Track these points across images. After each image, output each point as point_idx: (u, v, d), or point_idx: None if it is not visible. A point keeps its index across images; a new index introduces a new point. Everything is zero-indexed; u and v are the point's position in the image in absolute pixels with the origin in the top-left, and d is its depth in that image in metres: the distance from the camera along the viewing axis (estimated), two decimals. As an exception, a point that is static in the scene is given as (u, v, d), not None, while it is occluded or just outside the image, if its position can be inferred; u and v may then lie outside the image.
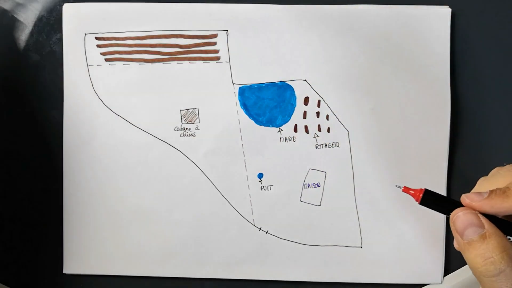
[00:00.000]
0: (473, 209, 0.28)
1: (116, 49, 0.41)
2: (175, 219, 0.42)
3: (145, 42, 0.41)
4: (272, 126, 0.42)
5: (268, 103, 0.42)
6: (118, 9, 0.41)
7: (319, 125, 0.42)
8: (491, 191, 0.28)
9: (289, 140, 0.42)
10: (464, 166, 0.42)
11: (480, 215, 0.28)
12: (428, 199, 0.30)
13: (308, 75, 0.41)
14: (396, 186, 0.32)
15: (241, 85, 0.41)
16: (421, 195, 0.30)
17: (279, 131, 0.42)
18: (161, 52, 0.41)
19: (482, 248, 0.27)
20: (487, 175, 0.40)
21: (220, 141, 0.42)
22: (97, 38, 0.41)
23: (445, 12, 0.41)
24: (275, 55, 0.41)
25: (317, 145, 0.42)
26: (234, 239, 0.42)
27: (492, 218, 0.28)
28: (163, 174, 0.42)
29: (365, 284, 0.42)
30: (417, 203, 0.31)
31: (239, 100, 0.42)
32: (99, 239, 0.42)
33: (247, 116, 0.42)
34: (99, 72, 0.41)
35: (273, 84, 0.41)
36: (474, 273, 0.28)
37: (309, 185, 0.42)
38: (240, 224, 0.42)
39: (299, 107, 0.42)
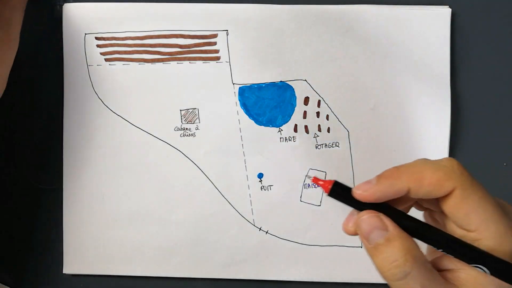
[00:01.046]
0: (366, 200, 0.27)
1: (116, 49, 0.41)
2: (175, 219, 0.42)
3: (145, 42, 0.41)
4: (272, 126, 0.42)
5: (268, 103, 0.42)
6: (118, 9, 0.41)
7: (319, 125, 0.42)
8: (378, 176, 0.27)
9: (289, 140, 0.42)
10: (465, 166, 0.41)
11: (383, 217, 0.26)
12: (337, 191, 0.28)
13: (308, 75, 0.41)
14: (307, 176, 0.31)
15: (241, 85, 0.41)
16: (330, 186, 0.28)
17: (279, 131, 0.42)
18: (161, 52, 0.41)
19: (387, 252, 0.25)
20: (488, 174, 0.41)
21: (220, 141, 0.42)
22: (97, 38, 0.41)
23: (445, 12, 0.41)
24: (275, 55, 0.41)
25: (317, 145, 0.42)
26: (234, 239, 0.42)
27: (398, 219, 0.26)
28: (163, 174, 0.42)
29: (365, 284, 0.42)
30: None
31: (239, 100, 0.41)
32: (99, 239, 0.42)
33: (247, 116, 0.42)
34: (99, 72, 0.41)
35: (273, 84, 0.41)
36: (384, 278, 0.26)
37: (309, 185, 0.42)
38: (240, 224, 0.42)
39: (299, 107, 0.41)
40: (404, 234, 0.26)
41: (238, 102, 0.41)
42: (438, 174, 0.26)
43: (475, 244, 0.25)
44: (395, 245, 0.26)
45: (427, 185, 0.26)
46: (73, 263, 0.42)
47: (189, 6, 0.41)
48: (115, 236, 0.42)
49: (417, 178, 0.26)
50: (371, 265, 0.41)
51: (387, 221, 0.26)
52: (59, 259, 0.42)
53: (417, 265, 0.25)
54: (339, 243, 0.42)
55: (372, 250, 0.26)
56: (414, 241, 0.26)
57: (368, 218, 0.26)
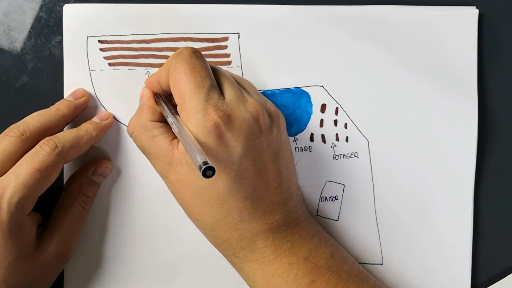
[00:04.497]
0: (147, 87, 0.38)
1: (121, 53, 0.40)
2: (183, 233, 0.40)
3: (152, 45, 0.40)
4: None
5: (282, 111, 0.39)
6: (122, 11, 0.39)
7: (336, 134, 0.40)
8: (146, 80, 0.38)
9: (304, 150, 0.40)
10: (493, 177, 0.41)
11: (149, 93, 0.37)
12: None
13: (325, 80, 0.40)
14: None
15: (253, 92, 0.40)
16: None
17: (294, 140, 0.40)
18: (169, 56, 0.38)
19: (139, 112, 0.37)
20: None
21: (231, 151, 0.40)
22: (100, 41, 0.40)
23: (471, 13, 0.40)
24: (290, 59, 0.40)
25: (334, 156, 0.40)
26: (246, 255, 0.40)
27: (161, 102, 0.36)
28: (170, 186, 0.40)
29: (386, 303, 0.41)
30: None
31: (252, 107, 0.40)
32: (101, 255, 0.40)
33: (260, 125, 0.40)
34: (102, 78, 0.40)
35: (287, 90, 0.40)
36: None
37: (326, 198, 0.40)
38: (252, 240, 0.40)
39: (316, 114, 0.40)
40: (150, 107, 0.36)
41: (251, 110, 0.40)
42: (165, 74, 0.35)
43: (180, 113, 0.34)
44: (143, 108, 0.36)
45: (164, 83, 0.35)
46: (74, 281, 0.40)
47: (198, 7, 0.40)
48: (118, 252, 0.40)
49: (159, 80, 0.36)
50: (392, 283, 0.40)
51: (147, 96, 0.37)
52: (59, 276, 0.40)
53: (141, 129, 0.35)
54: (358, 260, 0.40)
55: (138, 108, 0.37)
56: (152, 113, 0.36)
57: (143, 89, 0.38)
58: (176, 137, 0.35)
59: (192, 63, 0.33)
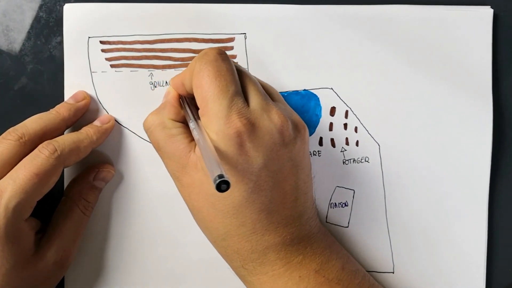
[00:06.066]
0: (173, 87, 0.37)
1: (123, 54, 0.39)
2: (188, 240, 0.39)
3: (155, 46, 0.39)
4: (295, 139, 0.39)
5: (290, 114, 0.39)
6: (125, 10, 0.39)
7: (346, 138, 0.40)
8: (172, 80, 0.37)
9: (313, 154, 0.40)
10: (508, 182, 0.40)
11: (173, 92, 0.36)
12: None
13: (334, 82, 0.39)
14: None
15: (261, 94, 0.39)
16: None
17: None
18: (173, 57, 0.39)
19: (162, 108, 0.36)
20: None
21: (237, 156, 0.39)
22: (102, 42, 0.39)
23: (486, 12, 0.40)
24: (298, 60, 0.39)
25: (344, 160, 0.40)
26: (253, 264, 0.39)
27: (185, 103, 0.36)
28: (175, 191, 0.38)
29: (398, 313, 0.40)
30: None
31: (259, 110, 0.39)
32: (103, 262, 0.40)
33: (268, 128, 0.39)
34: (103, 79, 0.39)
35: (296, 92, 0.39)
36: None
37: (335, 205, 0.40)
38: (259, 247, 0.39)
39: (325, 118, 0.40)
40: (174, 105, 0.36)
41: (258, 113, 0.39)
42: (190, 76, 0.34)
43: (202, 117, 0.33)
44: (165, 106, 0.36)
45: (188, 85, 0.35)
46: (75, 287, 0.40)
47: (203, 6, 0.39)
48: (121, 259, 0.40)
49: (183, 81, 0.35)
50: (404, 292, 0.39)
51: (172, 95, 0.36)
52: (59, 284, 0.39)
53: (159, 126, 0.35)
54: (369, 268, 0.40)
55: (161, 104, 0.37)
56: (174, 113, 0.35)
57: (169, 87, 0.37)
58: (193, 140, 0.34)
59: (217, 65, 0.32)
